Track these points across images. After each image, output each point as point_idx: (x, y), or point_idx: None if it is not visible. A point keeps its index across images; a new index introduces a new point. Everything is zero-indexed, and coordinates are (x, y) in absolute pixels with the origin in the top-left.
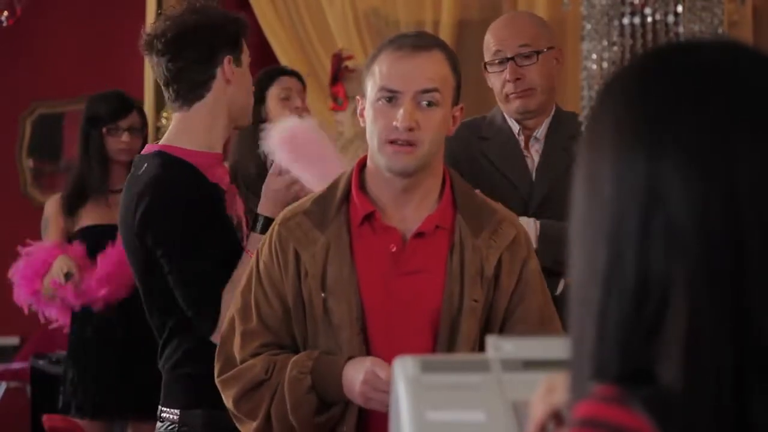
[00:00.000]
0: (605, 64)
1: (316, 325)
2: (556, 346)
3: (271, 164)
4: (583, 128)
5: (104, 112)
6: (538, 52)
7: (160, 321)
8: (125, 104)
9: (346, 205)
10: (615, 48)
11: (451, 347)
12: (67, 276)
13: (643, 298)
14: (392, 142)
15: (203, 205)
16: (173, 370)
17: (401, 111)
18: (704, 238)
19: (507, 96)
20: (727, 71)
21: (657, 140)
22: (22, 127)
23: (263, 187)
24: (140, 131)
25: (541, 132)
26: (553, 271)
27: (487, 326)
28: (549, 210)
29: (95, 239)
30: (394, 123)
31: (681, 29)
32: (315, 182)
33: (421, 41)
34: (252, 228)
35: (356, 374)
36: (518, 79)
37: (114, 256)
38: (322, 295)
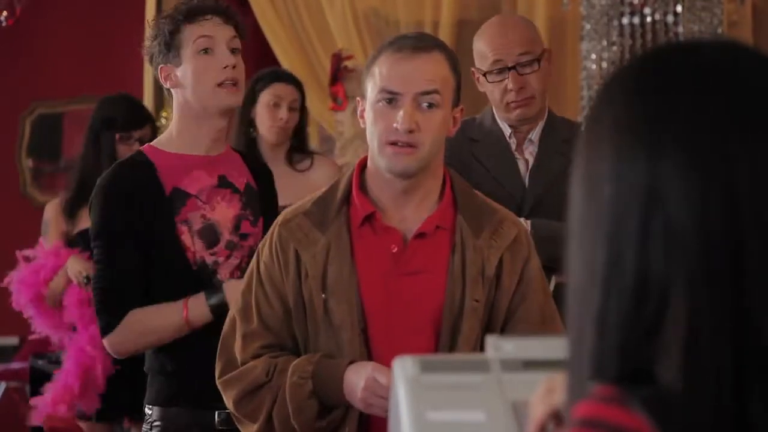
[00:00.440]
0: (605, 64)
1: (316, 326)
2: (556, 346)
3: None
4: (582, 128)
5: (121, 117)
6: (538, 59)
7: None
8: (142, 115)
9: (347, 206)
10: (614, 48)
11: (452, 347)
12: (88, 279)
13: (642, 298)
14: (392, 143)
15: (139, 205)
16: (149, 367)
17: (401, 113)
18: (704, 238)
19: (508, 104)
20: (727, 71)
21: (656, 140)
22: (21, 127)
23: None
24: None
25: (535, 134)
26: (546, 268)
27: (488, 326)
28: (542, 213)
29: None
30: (395, 125)
31: (680, 29)
32: None
33: (421, 42)
34: (207, 296)
35: (357, 380)
36: (522, 88)
37: None
38: (323, 295)
